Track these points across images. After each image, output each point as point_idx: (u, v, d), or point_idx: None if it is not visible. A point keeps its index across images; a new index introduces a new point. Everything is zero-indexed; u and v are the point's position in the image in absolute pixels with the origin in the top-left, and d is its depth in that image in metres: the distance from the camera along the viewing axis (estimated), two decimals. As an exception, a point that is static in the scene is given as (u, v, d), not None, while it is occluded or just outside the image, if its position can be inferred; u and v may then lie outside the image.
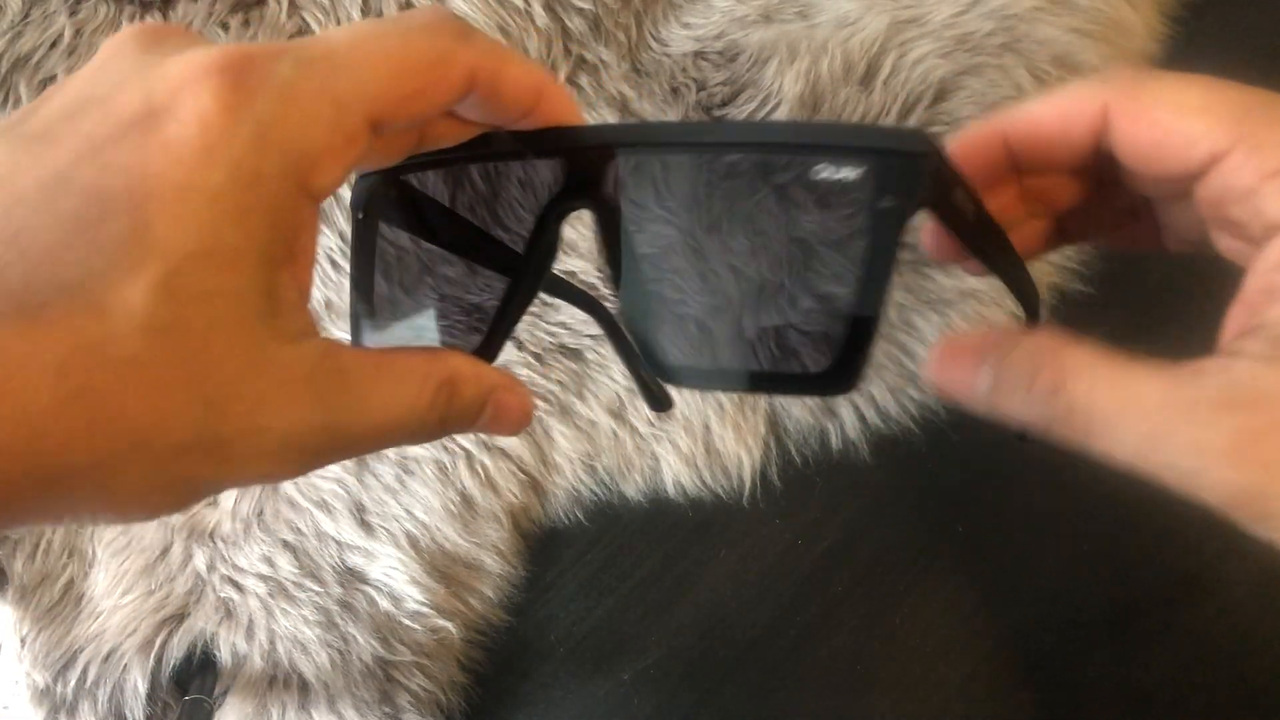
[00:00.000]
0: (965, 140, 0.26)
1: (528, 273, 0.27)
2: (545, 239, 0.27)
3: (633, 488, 0.49)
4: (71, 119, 0.18)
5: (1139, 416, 0.21)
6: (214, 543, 0.47)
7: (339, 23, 0.48)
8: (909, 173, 0.21)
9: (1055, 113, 0.24)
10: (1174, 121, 0.22)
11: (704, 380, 0.28)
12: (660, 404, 0.35)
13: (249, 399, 0.18)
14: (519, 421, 0.25)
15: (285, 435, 0.19)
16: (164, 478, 0.18)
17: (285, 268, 0.19)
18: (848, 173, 0.22)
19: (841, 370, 0.23)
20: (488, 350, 0.27)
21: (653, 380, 0.33)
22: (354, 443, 0.21)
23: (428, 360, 0.22)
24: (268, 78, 0.18)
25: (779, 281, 0.26)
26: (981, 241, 0.25)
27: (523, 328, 0.48)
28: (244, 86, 0.18)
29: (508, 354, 0.48)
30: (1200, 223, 0.25)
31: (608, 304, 0.38)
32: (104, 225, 0.16)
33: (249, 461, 0.19)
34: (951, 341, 0.24)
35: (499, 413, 0.24)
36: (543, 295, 0.49)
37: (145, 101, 0.17)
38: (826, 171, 0.23)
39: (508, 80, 0.22)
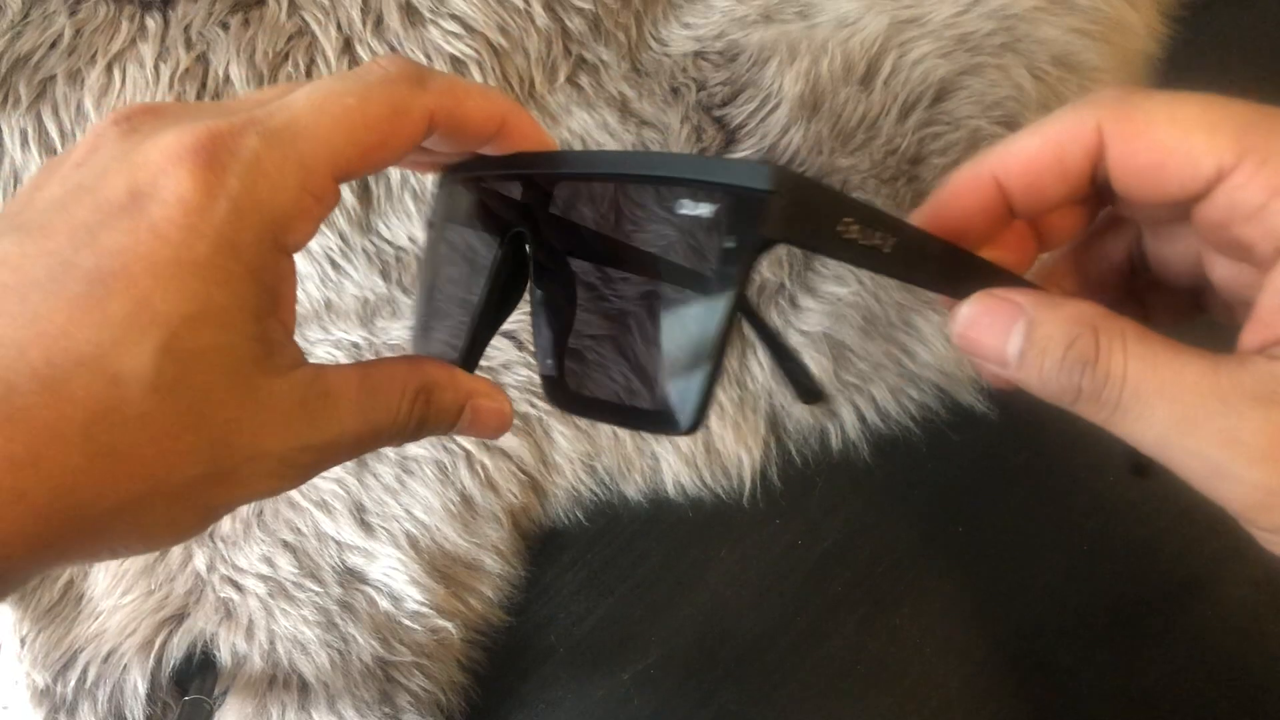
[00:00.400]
0: (953, 186, 0.25)
1: (494, 290, 0.28)
2: (503, 258, 0.27)
3: (633, 488, 0.49)
4: (65, 209, 0.20)
5: (1173, 397, 0.20)
6: (214, 543, 0.47)
7: (339, 24, 0.48)
8: (749, 209, 0.20)
9: (1046, 143, 0.23)
10: (1174, 139, 0.21)
11: (576, 407, 0.29)
12: (811, 396, 0.33)
13: (249, 431, 0.21)
14: (497, 426, 0.27)
15: (284, 455, 0.22)
16: (183, 508, 0.21)
17: (271, 314, 0.21)
18: (702, 209, 0.22)
19: (682, 411, 0.23)
20: (469, 358, 0.28)
21: (803, 374, 0.32)
22: (344, 451, 0.23)
23: (406, 370, 0.25)
24: (237, 153, 0.20)
25: (643, 315, 0.26)
26: (905, 268, 0.23)
27: (522, 327, 0.48)
28: (216, 164, 0.19)
29: (507, 354, 0.48)
30: (1194, 256, 0.24)
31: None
32: (109, 303, 0.19)
33: (255, 482, 0.22)
34: (986, 296, 0.23)
35: (477, 417, 0.26)
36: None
37: (129, 188, 0.19)
38: (685, 208, 0.23)
39: (468, 115, 0.23)
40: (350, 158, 0.21)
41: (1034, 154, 0.23)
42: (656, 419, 0.24)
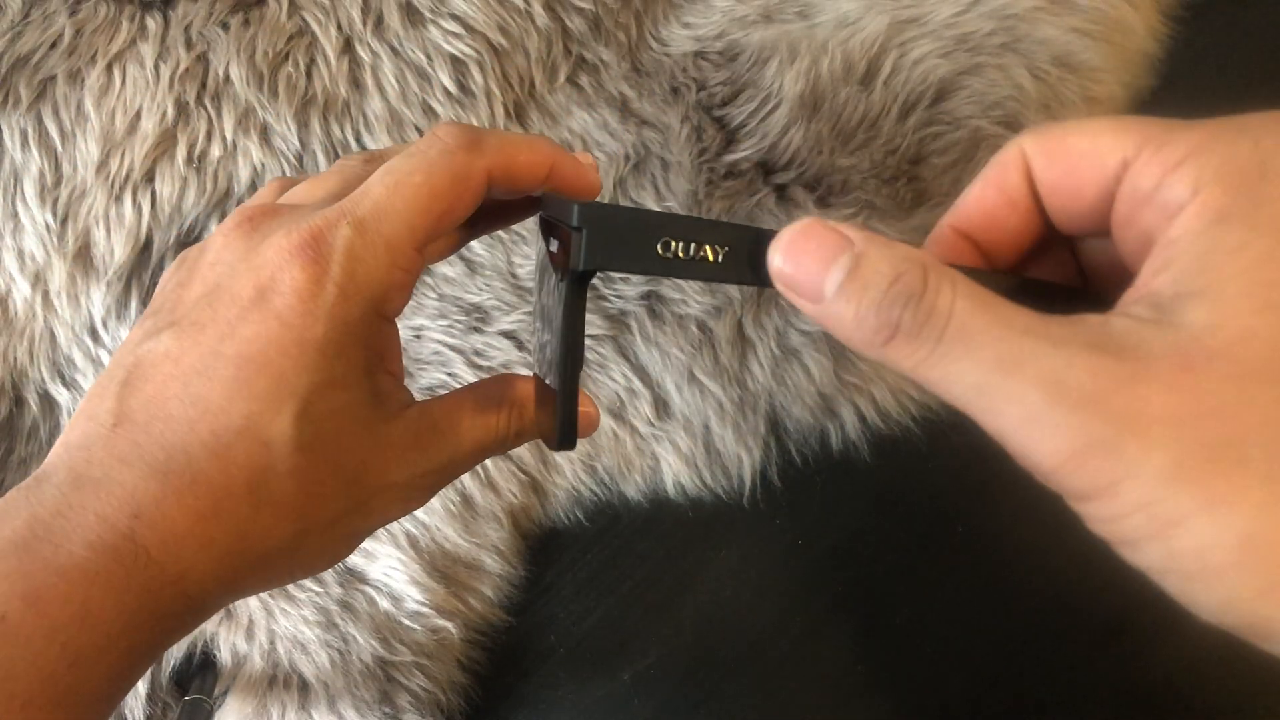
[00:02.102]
0: (931, 248, 0.25)
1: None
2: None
3: (633, 488, 0.49)
4: (211, 306, 0.24)
5: (1000, 337, 0.19)
6: (214, 543, 0.47)
7: (339, 24, 0.48)
8: (568, 245, 0.23)
9: (987, 181, 0.24)
10: (1085, 143, 0.22)
11: None
12: None
13: (376, 469, 0.25)
14: (584, 426, 0.29)
15: (408, 484, 0.26)
16: (334, 538, 0.25)
17: (381, 370, 0.26)
18: (554, 244, 0.25)
19: (554, 429, 0.26)
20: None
21: None
22: (457, 469, 0.27)
23: (499, 390, 0.28)
24: (334, 245, 0.24)
25: (540, 335, 0.29)
26: (748, 272, 0.24)
27: (522, 327, 0.48)
28: (320, 258, 0.23)
29: (509, 354, 0.48)
30: (1120, 266, 0.24)
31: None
32: (254, 382, 0.23)
33: (387, 509, 0.26)
34: (814, 223, 0.22)
35: None
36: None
37: (255, 285, 0.24)
38: (549, 240, 0.26)
39: (519, 168, 0.26)
40: (426, 228, 0.25)
41: (979, 194, 0.24)
42: (549, 436, 0.27)
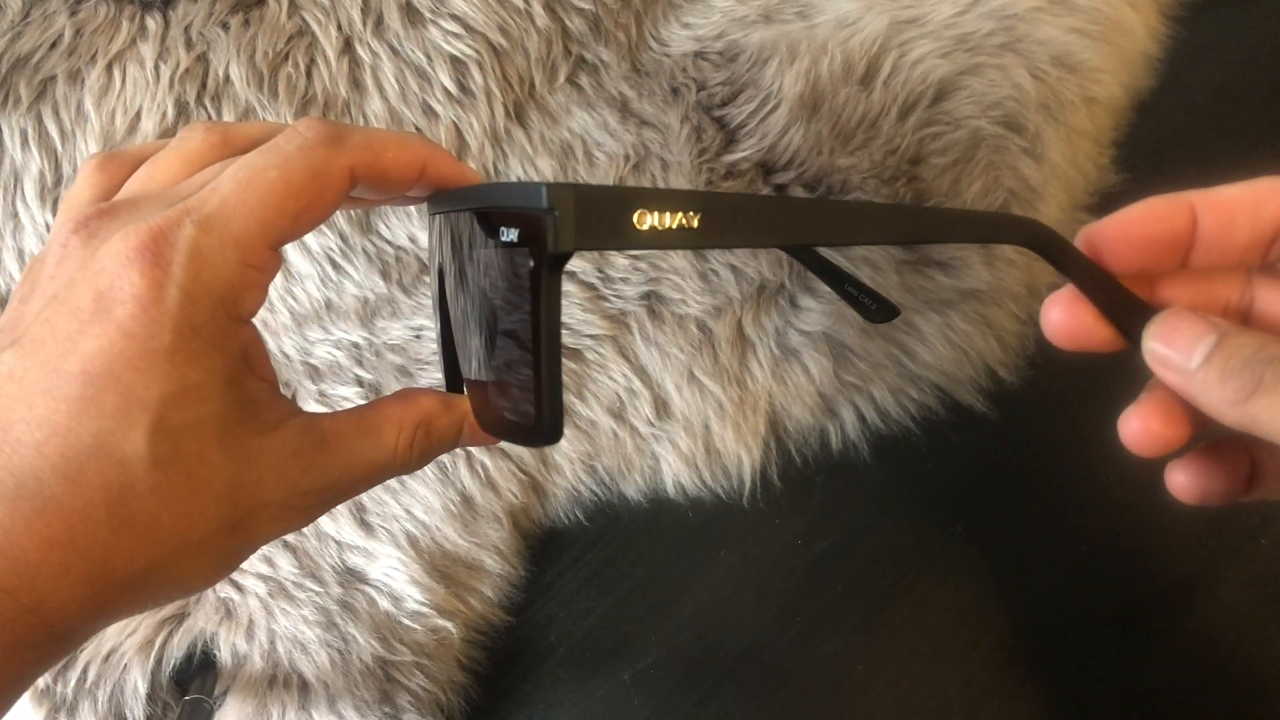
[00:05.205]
0: (1148, 205, 0.27)
1: (444, 318, 0.29)
2: (439, 286, 0.29)
3: (633, 488, 0.49)
4: (49, 321, 0.22)
5: None
6: (214, 543, 0.47)
7: (339, 24, 0.48)
8: (538, 229, 0.22)
9: (1249, 189, 0.26)
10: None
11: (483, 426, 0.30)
12: (883, 315, 0.34)
13: (249, 485, 0.23)
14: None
15: (287, 501, 0.24)
16: (207, 559, 0.24)
17: (248, 376, 0.24)
18: (511, 234, 0.24)
19: (540, 423, 0.24)
20: (454, 381, 0.30)
21: (864, 293, 0.33)
22: (345, 491, 0.26)
23: (401, 408, 0.27)
24: (177, 244, 0.22)
25: (488, 335, 0.27)
26: (725, 236, 0.25)
27: (523, 328, 0.48)
28: (161, 260, 0.22)
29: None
30: None
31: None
32: (101, 399, 0.21)
33: (265, 526, 0.24)
34: (1181, 311, 0.25)
35: (473, 433, 0.28)
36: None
37: (94, 295, 0.22)
38: (504, 234, 0.24)
39: (387, 165, 0.25)
40: (281, 227, 0.23)
41: (1235, 194, 0.26)
42: (528, 433, 0.25)
